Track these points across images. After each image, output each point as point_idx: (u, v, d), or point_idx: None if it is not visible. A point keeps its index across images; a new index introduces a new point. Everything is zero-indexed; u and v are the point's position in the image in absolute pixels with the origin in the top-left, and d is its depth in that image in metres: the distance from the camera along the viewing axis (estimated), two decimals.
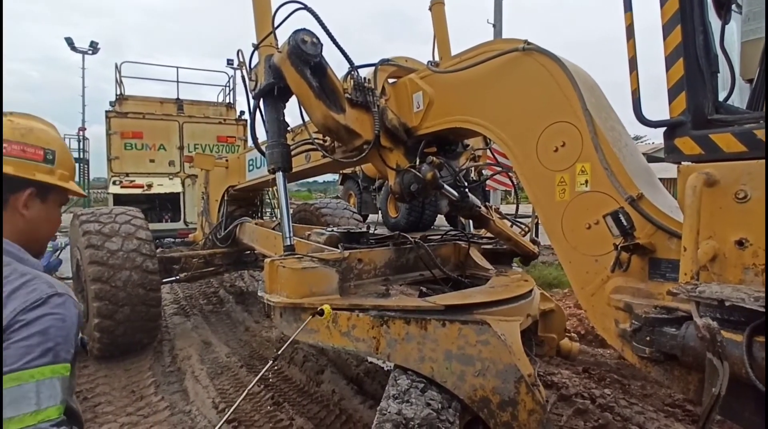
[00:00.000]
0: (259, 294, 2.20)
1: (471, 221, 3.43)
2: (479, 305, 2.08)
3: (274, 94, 2.38)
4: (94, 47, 21.69)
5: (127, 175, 7.98)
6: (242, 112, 9.58)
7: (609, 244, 1.61)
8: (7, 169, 1.08)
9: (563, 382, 3.29)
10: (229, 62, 10.45)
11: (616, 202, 1.59)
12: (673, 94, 1.21)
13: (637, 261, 1.53)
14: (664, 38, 1.21)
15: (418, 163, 2.26)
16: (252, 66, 2.42)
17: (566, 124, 1.76)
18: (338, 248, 2.42)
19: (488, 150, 3.02)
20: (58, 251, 8.90)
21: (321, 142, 2.99)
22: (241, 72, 2.54)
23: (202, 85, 10.56)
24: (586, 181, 1.71)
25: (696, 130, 1.18)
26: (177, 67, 9.38)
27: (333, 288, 2.12)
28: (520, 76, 1.92)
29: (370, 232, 3.24)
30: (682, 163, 1.26)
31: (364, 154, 2.27)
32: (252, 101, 2.46)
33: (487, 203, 2.74)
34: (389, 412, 1.61)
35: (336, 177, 18.80)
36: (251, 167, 4.34)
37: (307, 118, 2.39)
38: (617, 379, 3.33)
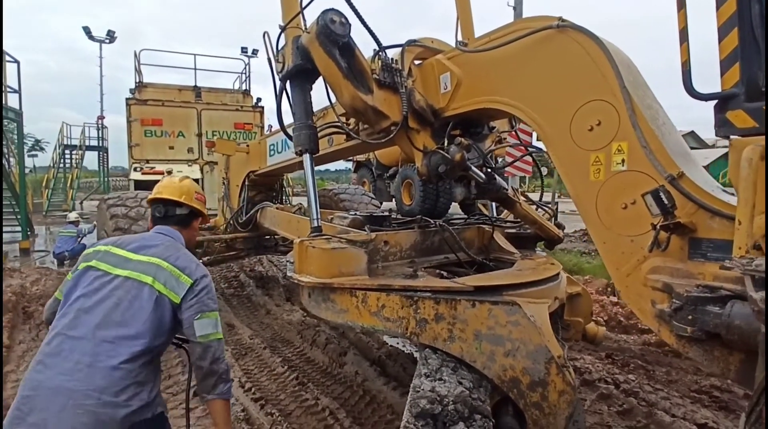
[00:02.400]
0: (288, 274, 2.23)
1: (494, 205, 3.42)
2: (508, 287, 2.07)
3: (301, 75, 2.38)
4: (111, 36, 21.92)
5: (147, 161, 8.10)
6: (259, 99, 9.63)
7: (646, 224, 1.59)
8: (199, 206, 2.07)
9: (586, 367, 3.28)
10: (244, 50, 10.47)
11: (654, 181, 1.56)
12: (725, 65, 1.17)
13: (676, 241, 1.51)
14: (717, 8, 1.17)
15: (446, 144, 2.24)
16: (279, 48, 2.42)
17: (602, 103, 1.73)
18: (365, 231, 2.44)
19: (514, 132, 2.98)
20: (81, 237, 9.14)
21: (345, 123, 2.99)
22: (267, 54, 2.53)
23: (219, 73, 10.60)
24: (623, 161, 1.68)
25: (749, 102, 1.14)
26: (194, 54, 9.43)
27: (362, 268, 2.13)
28: (555, 54, 1.88)
29: (393, 215, 3.25)
30: (733, 137, 1.22)
31: (391, 136, 2.26)
32: (278, 84, 2.46)
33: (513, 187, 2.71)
34: (422, 390, 1.63)
35: (349, 165, 18.81)
36: (272, 152, 4.36)
37: (333, 100, 2.39)
38: (641, 364, 3.31)
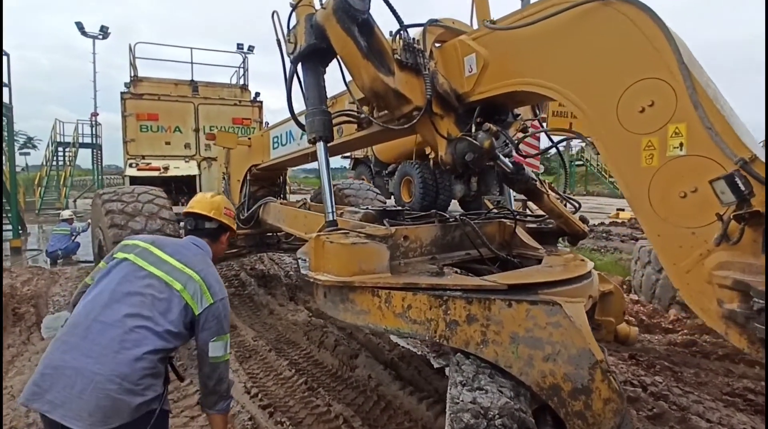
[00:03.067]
0: (302, 272, 2.05)
1: (512, 197, 3.26)
2: (543, 285, 1.91)
3: (314, 56, 2.20)
4: (104, 32, 21.58)
5: (143, 157, 7.87)
6: (257, 94, 9.39)
7: (710, 214, 1.42)
8: (228, 221, 2.18)
9: None
10: (240, 47, 10.25)
11: (720, 166, 1.40)
12: None
13: (749, 232, 1.34)
14: None
15: (474, 130, 2.06)
16: (290, 27, 2.23)
17: (655, 81, 1.56)
18: (384, 225, 2.26)
19: (537, 121, 2.81)
20: (75, 235, 8.89)
21: (357, 113, 2.81)
22: (276, 36, 2.34)
23: (215, 67, 10.36)
24: (681, 145, 1.51)
25: None
26: (191, 48, 9.20)
27: (384, 265, 1.96)
28: (599, 28, 1.71)
29: (406, 210, 3.08)
30: None
31: (414, 121, 2.08)
32: (289, 67, 2.28)
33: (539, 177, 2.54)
34: (462, 401, 1.46)
35: (345, 163, 18.63)
36: (276, 145, 4.18)
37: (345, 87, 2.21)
38: (668, 366, 3.16)
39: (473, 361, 1.74)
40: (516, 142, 2.24)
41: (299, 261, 2.28)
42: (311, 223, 3.38)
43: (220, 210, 2.15)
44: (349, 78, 2.24)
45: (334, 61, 2.28)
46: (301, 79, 2.29)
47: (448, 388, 1.61)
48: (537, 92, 1.94)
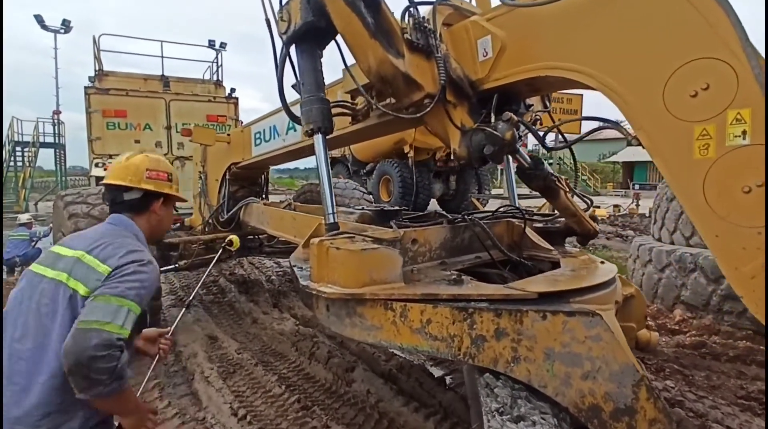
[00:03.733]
0: (301, 283, 1.78)
1: (516, 194, 3.07)
2: (573, 292, 1.73)
3: (310, 37, 1.94)
4: (66, 26, 20.51)
5: (110, 156, 7.36)
6: (233, 90, 8.98)
7: None
8: (149, 186, 1.69)
9: None
10: (211, 43, 9.80)
11: None
12: None
13: None
14: None
15: (493, 120, 1.85)
16: (282, 3, 1.96)
17: (711, 61, 1.37)
18: (390, 226, 2.02)
19: (546, 112, 2.63)
20: (36, 240, 8.27)
21: (351, 104, 2.57)
22: (266, 14, 2.07)
23: (187, 62, 9.87)
24: (744, 133, 1.32)
25: None
26: (161, 41, 8.70)
27: (397, 274, 1.72)
28: (640, 2, 1.52)
29: (404, 210, 2.85)
30: None
31: (427, 110, 1.84)
32: (281, 49, 2.01)
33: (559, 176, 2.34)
34: None
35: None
36: (258, 141, 3.87)
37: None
38: (677, 369, 3.04)
39: (505, 382, 1.54)
40: (544, 134, 2.03)
41: (294, 269, 2.02)
42: (301, 226, 3.11)
43: (140, 175, 1.68)
44: (350, 61, 1.99)
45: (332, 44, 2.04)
46: (295, 64, 2.02)
47: (484, 416, 1.39)
48: (565, 77, 1.73)
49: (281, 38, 1.98)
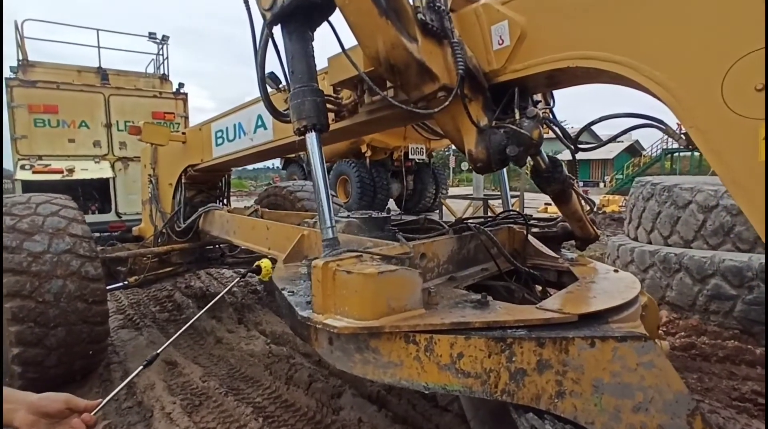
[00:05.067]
0: (300, 315, 1.46)
1: (509, 196, 2.90)
2: (611, 311, 1.56)
3: (300, 16, 1.63)
4: None
5: (39, 157, 6.53)
6: (181, 85, 8.28)
7: None
8: None
9: None
10: (152, 36, 9.03)
11: None
12: None
13: None
14: None
15: (518, 116, 1.62)
16: None
17: None
18: (398, 239, 1.75)
19: (549, 110, 2.45)
20: None
21: (335, 98, 2.26)
22: None
23: (128, 52, 9.03)
24: None
25: None
26: (97, 30, 7.84)
27: (417, 299, 1.44)
28: None
29: (392, 217, 2.59)
30: None
31: (445, 105, 1.58)
32: (263, 30, 1.67)
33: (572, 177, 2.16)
34: None
35: (269, 163, 17.65)
36: (220, 140, 3.45)
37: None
38: None
39: (552, 423, 1.32)
40: (577, 134, 1.82)
41: (285, 293, 1.69)
42: (277, 237, 2.75)
43: None
44: (348, 45, 1.69)
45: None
46: (281, 48, 1.69)
47: None
48: (598, 68, 1.53)
49: (263, 16, 1.65)
